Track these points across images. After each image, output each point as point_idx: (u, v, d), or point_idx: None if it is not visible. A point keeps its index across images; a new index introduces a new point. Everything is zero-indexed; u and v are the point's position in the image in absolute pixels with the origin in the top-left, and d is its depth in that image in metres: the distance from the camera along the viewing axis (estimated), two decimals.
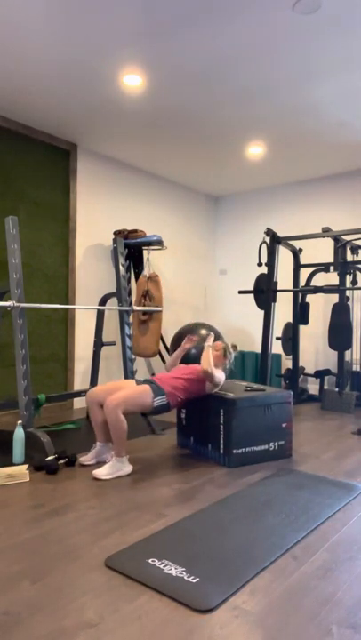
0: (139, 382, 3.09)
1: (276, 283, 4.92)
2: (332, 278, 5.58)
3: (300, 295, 5.26)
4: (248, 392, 3.18)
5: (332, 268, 5.51)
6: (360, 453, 3.32)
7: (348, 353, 5.32)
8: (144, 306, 4.96)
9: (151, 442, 3.50)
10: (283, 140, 4.56)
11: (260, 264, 4.76)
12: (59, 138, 4.54)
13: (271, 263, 4.87)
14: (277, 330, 5.94)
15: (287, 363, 5.95)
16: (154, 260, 5.66)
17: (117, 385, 3.04)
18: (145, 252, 5.40)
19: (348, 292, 5.22)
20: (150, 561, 1.80)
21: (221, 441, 3.05)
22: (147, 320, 4.95)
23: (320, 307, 5.71)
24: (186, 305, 6.19)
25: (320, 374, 5.25)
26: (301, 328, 5.79)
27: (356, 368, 5.30)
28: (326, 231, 4.71)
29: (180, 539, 1.99)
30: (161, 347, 5.66)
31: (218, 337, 5.18)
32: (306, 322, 5.24)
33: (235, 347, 3.36)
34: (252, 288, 6.33)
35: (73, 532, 2.05)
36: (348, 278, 5.22)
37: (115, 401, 2.76)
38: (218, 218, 6.66)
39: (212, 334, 3.18)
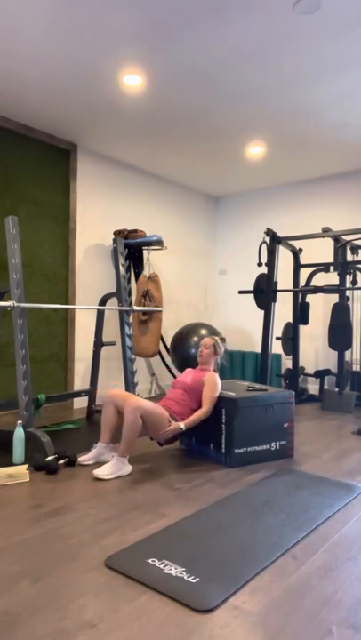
0: None
1: (276, 283, 4.92)
2: (332, 278, 5.58)
3: (300, 295, 5.26)
4: (250, 392, 3.18)
5: (332, 268, 5.51)
6: (360, 453, 3.32)
7: (348, 353, 5.32)
8: (144, 306, 4.96)
9: (151, 442, 3.50)
10: (283, 140, 4.56)
11: (260, 264, 4.76)
12: (59, 138, 4.54)
13: (271, 263, 4.87)
14: (277, 330, 5.94)
15: (287, 363, 5.95)
16: (154, 260, 5.66)
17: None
18: (145, 252, 5.40)
19: (348, 292, 5.22)
20: (150, 561, 1.80)
21: (223, 440, 3.05)
22: (147, 320, 4.95)
23: (320, 307, 5.71)
24: (186, 305, 6.19)
25: (320, 374, 5.25)
26: (301, 328, 5.79)
27: (356, 368, 5.30)
28: (326, 231, 4.71)
29: (180, 539, 1.99)
30: (161, 347, 5.66)
31: (213, 333, 5.18)
32: (306, 322, 5.24)
33: (223, 339, 3.33)
34: (252, 288, 6.33)
35: (73, 532, 2.05)
36: (349, 278, 5.22)
37: (138, 403, 2.80)
38: (218, 218, 6.66)
39: (182, 426, 2.96)
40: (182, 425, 2.94)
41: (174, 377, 5.40)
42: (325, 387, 5.55)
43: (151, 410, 2.84)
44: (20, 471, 2.71)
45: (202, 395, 3.11)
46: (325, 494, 2.52)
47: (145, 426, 2.86)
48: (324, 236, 4.68)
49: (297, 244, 5.88)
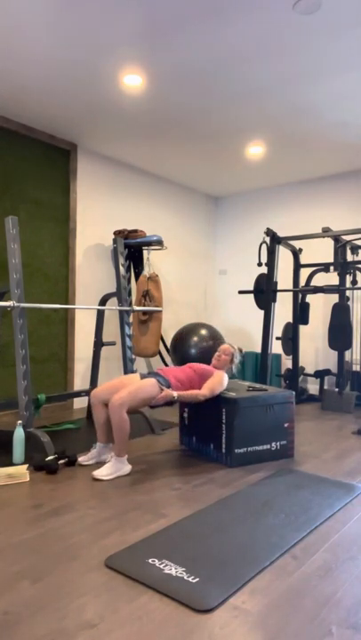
0: (143, 376, 3.09)
1: (276, 283, 4.92)
2: (332, 278, 5.58)
3: (300, 295, 5.26)
4: (250, 392, 3.18)
5: (332, 268, 5.51)
6: (360, 453, 3.32)
7: (348, 353, 5.32)
8: (144, 306, 4.96)
9: (151, 442, 3.50)
10: (283, 140, 4.56)
11: (260, 264, 4.76)
12: (59, 138, 4.54)
13: (271, 263, 4.87)
14: (277, 330, 5.94)
15: (287, 363, 5.95)
16: (154, 260, 5.66)
17: (121, 381, 3.03)
18: (145, 252, 5.40)
19: (348, 292, 5.22)
20: (150, 561, 1.80)
21: (223, 440, 3.05)
22: (147, 320, 4.95)
23: (320, 307, 5.71)
24: (186, 305, 6.19)
25: (320, 374, 5.25)
26: (301, 328, 5.79)
27: (356, 368, 5.30)
28: (326, 231, 4.71)
29: (180, 539, 1.99)
30: (161, 347, 5.66)
31: (219, 338, 5.18)
32: (306, 322, 5.24)
33: (241, 350, 3.40)
34: (252, 288, 6.33)
35: (73, 532, 2.05)
36: (349, 278, 5.22)
37: (119, 400, 2.75)
38: (218, 218, 6.65)
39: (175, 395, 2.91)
40: (175, 394, 2.86)
41: None
42: (325, 387, 5.55)
43: (135, 394, 2.79)
44: (20, 471, 2.71)
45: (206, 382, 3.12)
46: (325, 494, 2.52)
47: (136, 407, 2.83)
48: (324, 236, 4.68)
49: (297, 243, 5.87)
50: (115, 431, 2.77)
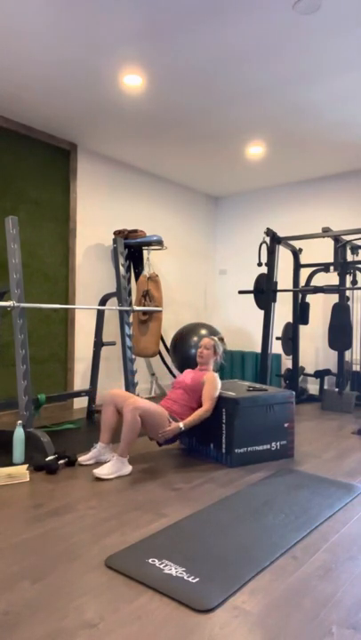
0: None
1: (276, 283, 4.92)
2: (332, 278, 5.58)
3: (300, 295, 5.26)
4: (250, 392, 3.18)
5: (332, 268, 5.51)
6: (360, 453, 3.32)
7: (348, 353, 5.32)
8: (144, 306, 4.96)
9: (151, 441, 3.50)
10: (283, 140, 4.56)
11: (260, 264, 4.76)
12: (59, 138, 4.54)
13: (271, 263, 4.87)
14: (277, 330, 5.94)
15: (287, 363, 5.95)
16: (154, 260, 5.66)
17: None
18: (145, 252, 5.40)
19: (348, 292, 5.22)
20: (150, 561, 1.80)
21: (223, 440, 3.05)
22: (147, 320, 4.95)
23: (320, 307, 5.71)
24: (186, 305, 6.19)
25: (320, 374, 5.25)
26: (301, 328, 5.79)
27: (356, 368, 5.30)
28: (326, 231, 4.71)
29: (180, 539, 1.99)
30: (161, 347, 5.66)
31: (213, 333, 5.18)
32: (306, 322, 5.24)
33: (222, 339, 3.37)
34: (252, 288, 6.33)
35: (73, 532, 2.05)
36: (349, 278, 5.22)
37: (137, 403, 2.81)
38: (218, 218, 6.65)
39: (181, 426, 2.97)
40: (181, 425, 2.95)
41: (174, 377, 5.40)
42: (325, 387, 5.55)
43: (150, 410, 2.84)
44: (20, 471, 2.71)
45: (202, 394, 3.12)
46: (325, 494, 2.52)
47: (144, 426, 2.87)
48: (324, 236, 4.68)
49: (297, 243, 5.87)
50: (125, 430, 2.78)
